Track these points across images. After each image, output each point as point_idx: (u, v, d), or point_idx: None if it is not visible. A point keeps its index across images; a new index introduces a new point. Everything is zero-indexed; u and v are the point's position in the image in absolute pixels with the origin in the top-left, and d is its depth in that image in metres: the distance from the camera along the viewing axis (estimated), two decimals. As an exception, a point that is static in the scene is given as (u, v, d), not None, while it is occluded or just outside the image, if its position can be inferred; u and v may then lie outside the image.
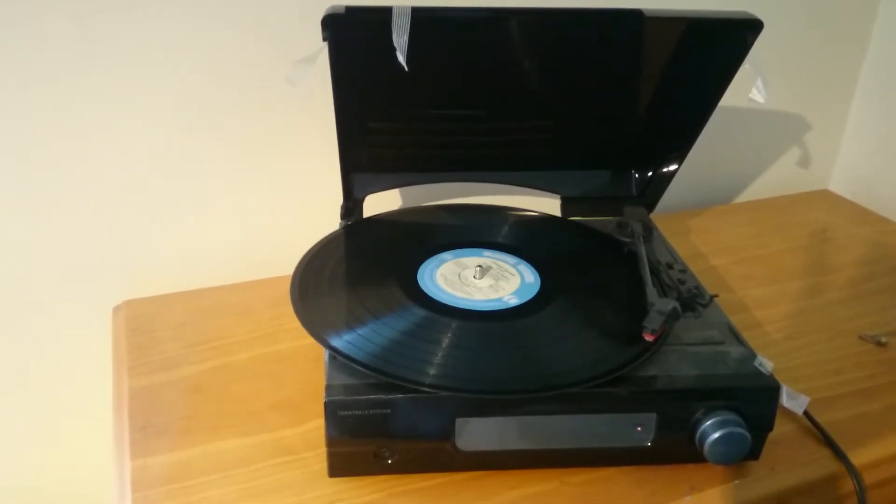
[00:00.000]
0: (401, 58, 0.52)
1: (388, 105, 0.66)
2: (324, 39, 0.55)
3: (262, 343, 0.66)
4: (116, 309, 0.72)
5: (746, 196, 0.99)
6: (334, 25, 0.54)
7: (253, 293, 0.73)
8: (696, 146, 0.70)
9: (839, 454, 0.55)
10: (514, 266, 0.63)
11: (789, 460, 0.55)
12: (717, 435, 0.51)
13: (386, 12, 0.53)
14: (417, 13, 0.53)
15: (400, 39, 0.52)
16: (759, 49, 0.60)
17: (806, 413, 0.56)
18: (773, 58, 0.88)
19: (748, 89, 0.61)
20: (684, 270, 0.65)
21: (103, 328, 0.72)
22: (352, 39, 0.56)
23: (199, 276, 0.75)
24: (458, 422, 0.51)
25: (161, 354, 0.65)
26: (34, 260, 0.71)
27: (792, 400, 0.52)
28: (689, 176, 0.75)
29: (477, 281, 0.61)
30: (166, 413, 0.58)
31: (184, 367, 0.63)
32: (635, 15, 0.58)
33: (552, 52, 0.64)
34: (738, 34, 0.60)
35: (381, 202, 0.75)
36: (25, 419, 0.77)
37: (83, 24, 0.64)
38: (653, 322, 0.54)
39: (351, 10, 0.54)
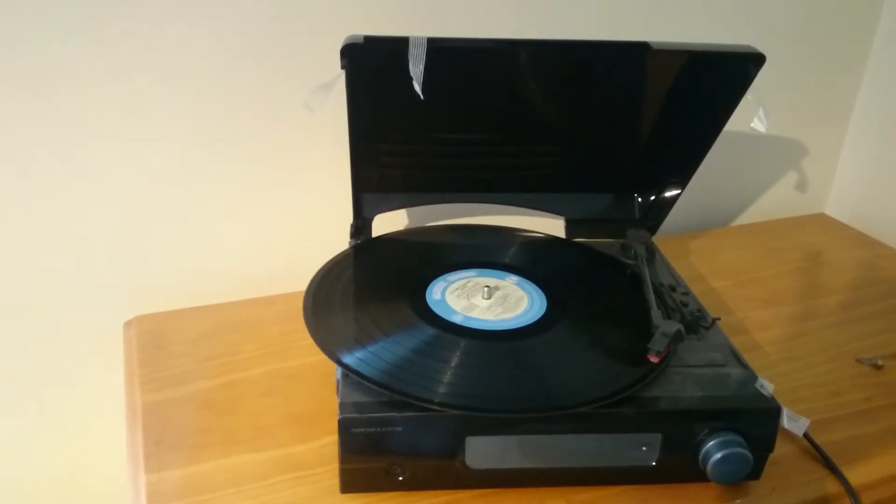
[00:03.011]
0: (417, 86, 0.54)
1: (401, 128, 0.68)
2: (342, 67, 0.56)
3: (273, 359, 0.67)
4: (128, 324, 0.73)
5: (745, 219, 1.01)
6: (352, 54, 0.56)
7: (263, 309, 0.74)
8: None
9: (838, 475, 0.57)
10: (520, 286, 0.65)
11: (789, 480, 0.56)
12: (719, 455, 0.52)
13: (402, 42, 0.55)
14: (433, 43, 0.55)
15: (416, 69, 0.54)
16: (759, 75, 0.62)
17: (805, 434, 0.57)
18: (771, 84, 0.90)
19: (748, 116, 0.62)
20: (687, 293, 0.66)
21: (115, 343, 0.73)
22: (368, 67, 0.58)
23: (209, 293, 0.76)
24: (468, 440, 0.52)
25: (173, 370, 0.66)
26: (46, 276, 0.72)
27: (792, 422, 0.53)
28: (689, 199, 0.77)
29: (485, 301, 0.62)
30: (180, 428, 0.60)
31: (196, 383, 0.64)
32: (642, 47, 0.60)
33: (561, 80, 0.66)
34: (742, 67, 0.62)
35: (388, 222, 0.76)
36: (39, 434, 0.78)
37: (95, 41, 0.66)
38: (657, 344, 0.55)
39: (369, 40, 0.56)
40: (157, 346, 0.69)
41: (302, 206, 0.79)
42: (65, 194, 0.70)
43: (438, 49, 0.55)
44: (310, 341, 0.56)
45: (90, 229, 0.72)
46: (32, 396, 0.76)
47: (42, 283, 0.72)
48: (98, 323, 0.75)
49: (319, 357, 0.56)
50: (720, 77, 0.63)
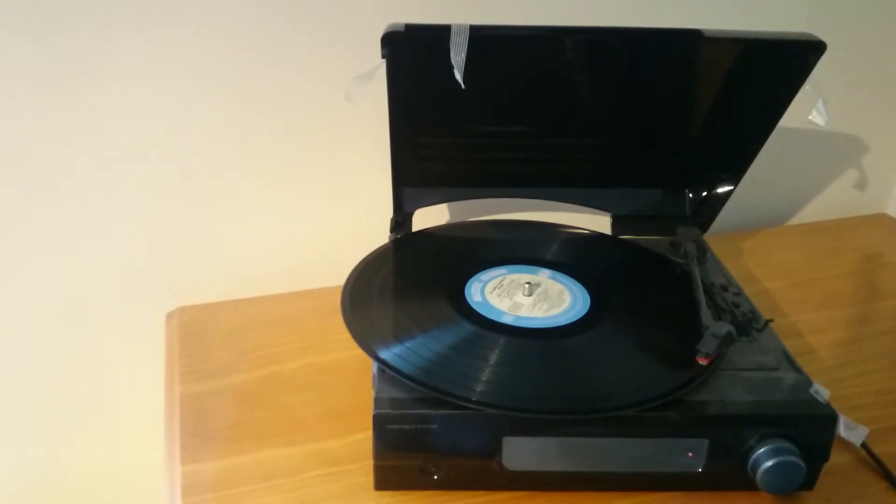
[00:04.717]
0: (458, 75, 0.53)
1: (441, 120, 0.66)
2: (382, 56, 0.56)
3: (310, 353, 0.67)
4: (170, 315, 0.73)
5: (800, 218, 0.97)
6: (393, 43, 0.55)
7: (302, 303, 0.74)
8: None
9: (897, 488, 0.54)
10: (563, 284, 0.63)
11: (844, 492, 0.54)
12: (770, 463, 0.50)
13: (444, 30, 0.54)
14: (475, 31, 0.53)
15: (457, 57, 0.53)
16: (818, 65, 0.59)
17: (864, 444, 0.55)
18: (829, 76, 0.86)
19: (805, 109, 0.60)
20: (739, 293, 0.64)
21: (157, 334, 0.73)
22: (409, 56, 0.57)
23: (249, 285, 0.76)
24: (506, 440, 0.50)
25: (212, 361, 0.66)
26: (90, 268, 0.73)
27: (850, 430, 0.51)
28: (742, 196, 0.74)
29: (526, 298, 0.61)
30: (216, 420, 0.59)
31: (234, 375, 0.64)
32: (694, 35, 0.58)
33: (608, 70, 0.64)
34: (800, 56, 0.59)
35: (428, 216, 0.75)
36: (79, 424, 0.79)
37: (134, 34, 0.66)
38: (707, 345, 0.53)
39: (410, 28, 0.55)
40: (197, 337, 0.69)
41: (342, 200, 0.78)
42: (106, 190, 0.71)
43: (481, 37, 0.54)
44: (347, 335, 0.55)
45: (134, 222, 0.73)
46: (72, 387, 0.77)
47: (87, 275, 0.73)
48: (141, 314, 0.75)
49: (355, 352, 0.55)
50: (777, 67, 0.61)
